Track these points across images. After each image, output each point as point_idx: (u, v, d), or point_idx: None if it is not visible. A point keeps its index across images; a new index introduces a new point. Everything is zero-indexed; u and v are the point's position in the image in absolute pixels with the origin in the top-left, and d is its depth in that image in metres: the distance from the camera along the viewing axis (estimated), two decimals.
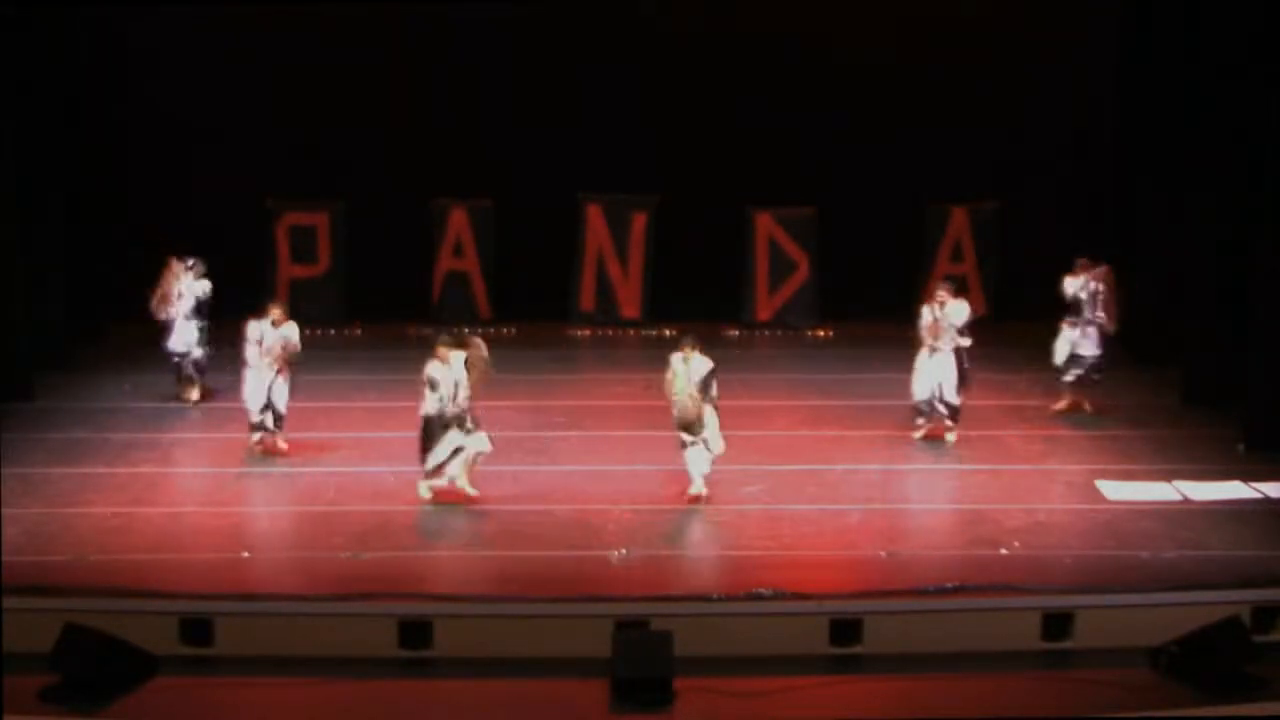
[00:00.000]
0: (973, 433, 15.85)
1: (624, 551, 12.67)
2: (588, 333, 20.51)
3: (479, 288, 20.41)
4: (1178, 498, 14.08)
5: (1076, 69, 19.94)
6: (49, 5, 17.70)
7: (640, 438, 15.21)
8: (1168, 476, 14.54)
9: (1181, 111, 17.42)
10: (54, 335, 17.99)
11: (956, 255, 20.51)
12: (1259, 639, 11.44)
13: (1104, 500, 14.01)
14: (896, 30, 19.71)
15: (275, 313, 15.26)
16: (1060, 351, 16.63)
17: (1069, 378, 16.66)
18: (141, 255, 19.56)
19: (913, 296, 18.97)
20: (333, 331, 17.73)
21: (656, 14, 19.86)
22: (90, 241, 19.00)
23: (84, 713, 10.56)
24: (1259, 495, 14.11)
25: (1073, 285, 16.51)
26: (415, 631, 11.43)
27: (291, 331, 15.24)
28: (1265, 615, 11.70)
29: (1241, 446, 15.33)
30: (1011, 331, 18.96)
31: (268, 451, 15.13)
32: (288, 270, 20.13)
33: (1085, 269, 16.54)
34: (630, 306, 20.61)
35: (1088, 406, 16.65)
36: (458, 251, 20.37)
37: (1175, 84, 17.73)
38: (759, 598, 11.73)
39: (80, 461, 14.90)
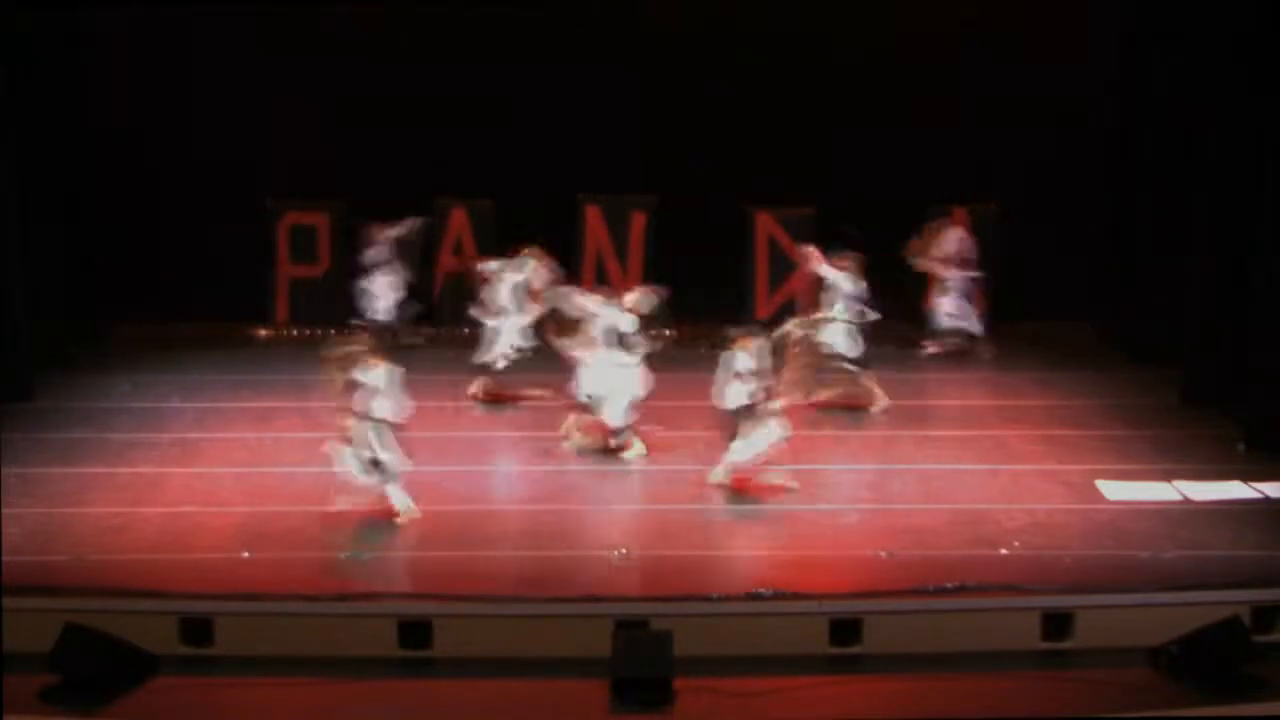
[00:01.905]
0: (973, 433, 15.84)
1: (624, 551, 12.67)
2: None
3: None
4: (1178, 498, 14.05)
5: (1077, 69, 19.91)
6: (50, 6, 17.70)
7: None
8: (1168, 476, 14.51)
9: (1182, 111, 17.41)
10: (54, 335, 17.98)
11: None
12: (1259, 639, 11.43)
13: (1104, 500, 13.98)
14: (896, 30, 19.68)
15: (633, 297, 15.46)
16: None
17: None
18: (143, 256, 19.66)
19: (914, 297, 19.05)
20: (333, 331, 17.68)
21: (656, 14, 19.84)
22: (90, 241, 19.01)
23: (84, 713, 10.56)
24: (1259, 495, 14.08)
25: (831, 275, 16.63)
26: (415, 631, 11.44)
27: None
28: (1265, 615, 11.69)
29: (1241, 446, 15.31)
30: (1011, 332, 18.95)
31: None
32: (288, 270, 20.11)
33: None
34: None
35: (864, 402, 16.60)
36: (458, 251, 20.35)
37: (1176, 84, 17.72)
38: (759, 598, 11.72)
39: (80, 461, 14.88)
